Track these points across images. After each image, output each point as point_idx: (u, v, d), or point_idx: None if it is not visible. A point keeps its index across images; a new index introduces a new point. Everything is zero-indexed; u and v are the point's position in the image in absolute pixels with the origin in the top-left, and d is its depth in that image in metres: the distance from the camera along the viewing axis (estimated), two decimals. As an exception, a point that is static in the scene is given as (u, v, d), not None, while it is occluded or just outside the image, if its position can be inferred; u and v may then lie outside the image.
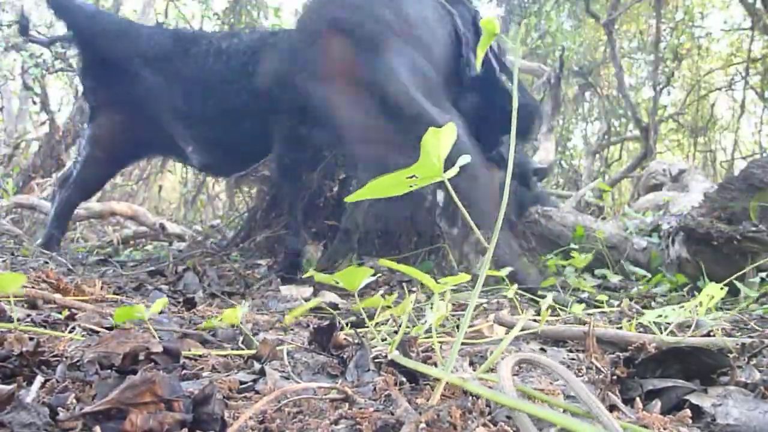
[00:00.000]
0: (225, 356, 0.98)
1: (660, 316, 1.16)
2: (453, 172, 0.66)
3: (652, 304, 1.90)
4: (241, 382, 0.81)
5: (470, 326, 1.26)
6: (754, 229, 2.07)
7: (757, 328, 1.38)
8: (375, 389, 0.77)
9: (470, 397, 0.70)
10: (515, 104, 0.70)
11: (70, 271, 2.26)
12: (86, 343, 0.88)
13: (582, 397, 0.58)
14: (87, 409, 0.58)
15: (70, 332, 1.03)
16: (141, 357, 0.80)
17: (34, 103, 6.30)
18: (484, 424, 0.63)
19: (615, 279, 2.34)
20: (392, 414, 0.65)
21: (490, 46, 2.81)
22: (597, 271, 2.51)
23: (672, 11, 8.95)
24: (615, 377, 0.77)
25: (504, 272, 1.60)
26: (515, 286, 1.44)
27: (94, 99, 2.99)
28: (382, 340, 1.07)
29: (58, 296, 1.34)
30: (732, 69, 9.60)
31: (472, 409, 0.66)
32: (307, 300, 1.80)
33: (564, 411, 0.65)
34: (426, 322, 1.02)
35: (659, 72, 8.19)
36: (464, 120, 2.20)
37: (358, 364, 0.88)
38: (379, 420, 0.63)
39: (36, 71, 5.35)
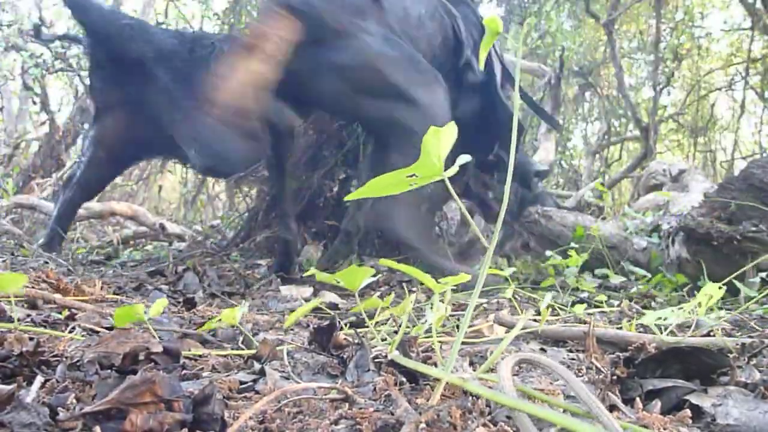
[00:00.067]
0: (225, 356, 0.98)
1: (660, 316, 1.16)
2: (453, 171, 0.66)
3: (652, 304, 1.90)
4: (241, 382, 0.81)
5: (470, 326, 1.26)
6: (754, 229, 2.07)
7: (757, 328, 1.38)
8: (375, 389, 0.77)
9: (470, 397, 0.70)
10: (516, 104, 0.70)
11: (70, 271, 2.26)
12: (86, 343, 0.88)
13: (582, 397, 0.58)
14: (87, 409, 0.58)
15: (70, 332, 1.03)
16: (141, 357, 0.80)
17: (34, 103, 6.30)
18: (484, 424, 0.63)
19: (616, 279, 2.34)
20: (392, 414, 0.65)
21: (496, 53, 2.80)
22: (597, 271, 2.51)
23: (672, 11, 8.95)
24: (615, 377, 0.77)
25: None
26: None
27: (101, 100, 2.99)
28: (382, 340, 1.07)
29: (58, 296, 1.34)
30: (732, 69, 9.60)
31: (472, 409, 0.66)
32: (307, 300, 1.80)
33: (564, 411, 0.65)
34: (426, 322, 1.02)
35: (659, 72, 8.18)
36: (447, 92, 2.22)
37: (358, 364, 0.88)
38: (379, 420, 0.63)
39: (36, 71, 5.35)
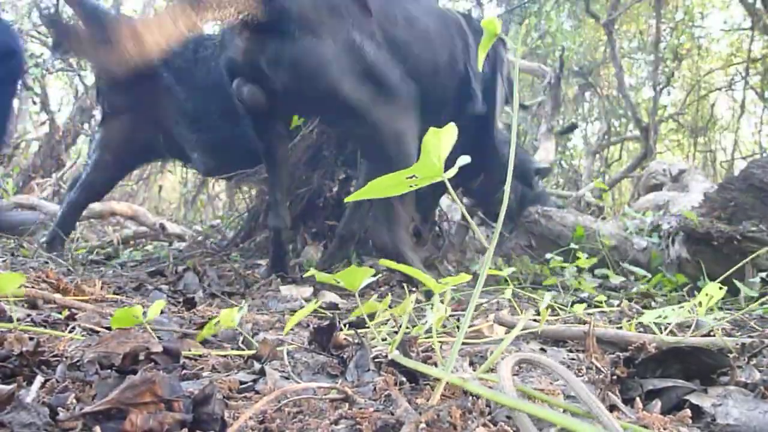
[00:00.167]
0: (225, 356, 0.98)
1: (660, 316, 1.16)
2: (453, 171, 0.66)
3: (652, 304, 1.90)
4: (241, 382, 0.81)
5: (470, 326, 1.26)
6: (754, 229, 2.07)
7: (757, 328, 1.38)
8: (375, 389, 0.77)
9: (470, 397, 0.70)
10: (516, 106, 0.70)
11: (70, 271, 2.26)
12: (86, 343, 0.88)
13: (582, 397, 0.58)
14: (87, 409, 0.58)
15: (70, 332, 1.03)
16: (141, 357, 0.80)
17: (34, 103, 6.30)
18: (484, 424, 0.63)
19: (616, 279, 2.34)
20: (392, 414, 0.65)
21: (502, 78, 2.73)
22: (597, 271, 2.51)
23: (672, 11, 8.95)
24: (615, 377, 0.77)
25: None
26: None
27: (107, 104, 3.02)
28: (382, 340, 1.07)
29: (58, 296, 1.34)
30: (732, 69, 9.61)
31: (472, 409, 0.66)
32: (307, 300, 1.80)
33: (564, 411, 0.65)
34: (426, 322, 1.02)
35: (659, 72, 8.19)
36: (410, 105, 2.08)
37: (358, 364, 0.88)
38: (379, 420, 0.63)
39: (36, 71, 5.35)
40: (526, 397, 0.70)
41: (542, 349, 1.19)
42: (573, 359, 1.10)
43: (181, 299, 1.59)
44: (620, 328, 1.28)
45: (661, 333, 1.15)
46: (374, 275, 0.99)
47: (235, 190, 3.84)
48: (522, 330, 1.11)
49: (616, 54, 7.42)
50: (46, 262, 2.37)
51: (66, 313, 1.17)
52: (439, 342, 1.12)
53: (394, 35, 2.15)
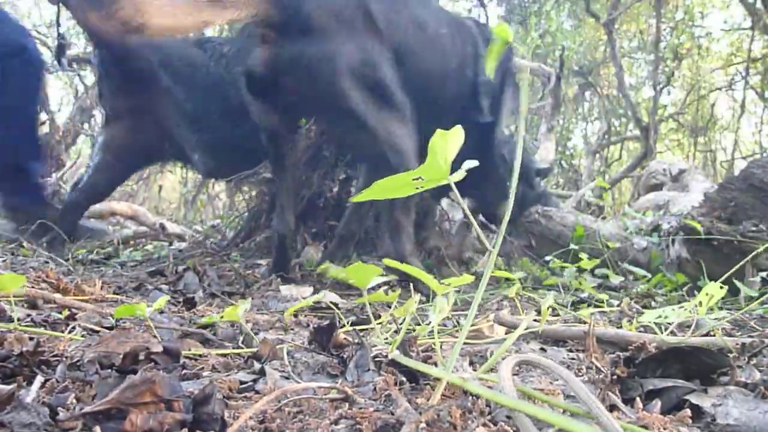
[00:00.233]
0: (225, 356, 0.98)
1: (660, 316, 1.16)
2: (460, 175, 0.66)
3: (652, 303, 1.90)
4: (241, 382, 0.81)
5: (471, 326, 1.26)
6: (754, 228, 2.07)
7: (757, 328, 1.38)
8: (375, 389, 0.77)
9: (470, 397, 0.70)
10: (524, 108, 0.70)
11: (70, 270, 2.27)
12: (86, 343, 0.88)
13: (582, 397, 0.58)
14: (87, 409, 0.58)
15: (70, 332, 1.03)
16: (141, 357, 0.80)
17: (35, 102, 6.28)
18: (484, 424, 0.63)
19: (616, 279, 2.34)
20: (392, 414, 0.65)
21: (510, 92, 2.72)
22: (597, 271, 2.51)
23: (672, 11, 8.94)
24: (615, 377, 0.77)
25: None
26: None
27: (109, 107, 3.04)
28: (384, 341, 1.07)
29: (58, 296, 1.34)
30: (732, 69, 9.61)
31: (472, 409, 0.66)
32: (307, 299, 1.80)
33: (564, 411, 0.65)
34: (429, 323, 1.02)
35: (659, 72, 8.18)
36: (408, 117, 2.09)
37: (358, 363, 0.88)
38: (379, 420, 0.63)
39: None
40: (526, 398, 0.70)
41: (542, 349, 1.19)
42: (573, 359, 1.10)
43: (181, 299, 1.59)
44: (620, 327, 1.28)
45: (662, 333, 1.15)
46: (381, 275, 0.99)
47: (235, 191, 3.84)
48: (522, 330, 1.11)
49: (616, 53, 7.42)
50: (46, 262, 2.37)
51: (66, 313, 1.17)
52: (440, 342, 1.12)
53: (403, 40, 2.17)
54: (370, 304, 1.24)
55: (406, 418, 0.61)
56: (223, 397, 0.73)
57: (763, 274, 1.96)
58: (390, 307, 1.17)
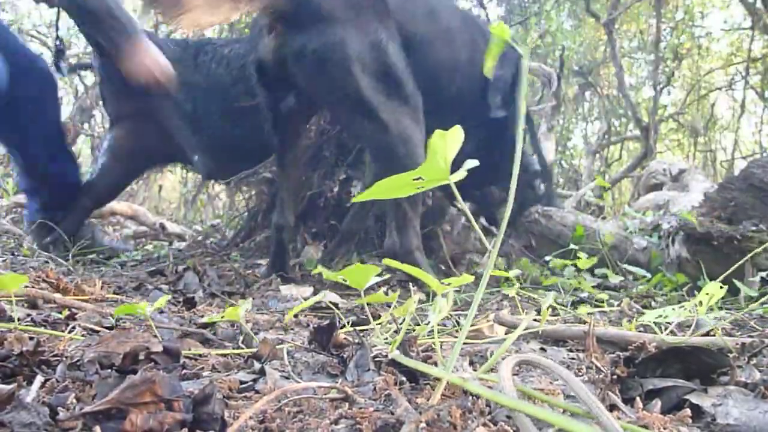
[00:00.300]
0: (225, 356, 0.98)
1: (660, 315, 1.16)
2: (460, 175, 0.66)
3: (652, 303, 1.90)
4: (241, 382, 0.81)
5: (470, 326, 1.26)
6: (754, 228, 2.07)
7: (757, 327, 1.38)
8: (375, 389, 0.77)
9: (470, 397, 0.70)
10: (522, 109, 0.70)
11: (70, 270, 2.27)
12: (86, 343, 0.88)
13: (582, 397, 0.58)
14: (87, 408, 0.58)
15: (70, 332, 1.03)
16: (141, 357, 0.80)
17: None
18: (484, 424, 0.63)
19: (615, 279, 2.34)
20: (392, 413, 0.65)
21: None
22: (597, 271, 2.51)
23: (672, 11, 8.94)
24: (615, 377, 0.77)
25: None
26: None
27: (112, 111, 3.07)
28: (384, 340, 1.07)
29: (58, 296, 1.34)
30: (732, 69, 9.60)
31: (472, 409, 0.66)
32: (307, 300, 1.80)
33: (564, 411, 0.65)
34: (429, 323, 1.02)
35: (659, 72, 8.18)
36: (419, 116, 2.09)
37: (358, 363, 0.88)
38: (379, 420, 0.63)
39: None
40: (526, 398, 0.70)
41: (542, 349, 1.19)
42: (573, 359, 1.10)
43: (181, 299, 1.59)
44: (620, 327, 1.28)
45: (662, 333, 1.15)
46: (379, 274, 0.99)
47: (235, 191, 3.84)
48: (522, 330, 1.11)
49: (616, 53, 7.42)
50: (46, 262, 2.37)
51: (66, 312, 1.17)
52: (440, 342, 1.12)
53: (415, 30, 2.16)
54: (370, 304, 1.24)
55: (406, 417, 0.61)
56: (223, 396, 0.73)
57: (763, 274, 1.96)
58: (390, 307, 1.17)
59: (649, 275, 2.40)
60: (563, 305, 1.69)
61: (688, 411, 0.69)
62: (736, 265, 1.52)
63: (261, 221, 3.17)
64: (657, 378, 0.79)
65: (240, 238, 3.22)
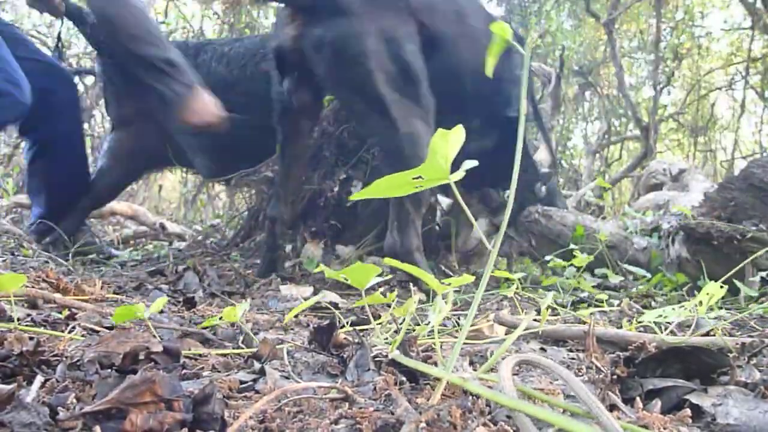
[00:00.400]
0: (225, 356, 0.98)
1: (660, 315, 1.16)
2: (460, 174, 0.66)
3: (652, 303, 1.90)
4: (241, 382, 0.81)
5: (470, 325, 1.26)
6: (754, 228, 2.07)
7: (757, 327, 1.38)
8: (375, 389, 0.77)
9: (470, 397, 0.70)
10: (522, 109, 0.70)
11: (70, 270, 2.27)
12: (86, 343, 0.88)
13: (581, 397, 0.58)
14: (87, 408, 0.58)
15: (70, 332, 1.03)
16: (141, 356, 0.80)
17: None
18: (484, 424, 0.63)
19: (615, 279, 2.34)
20: (392, 413, 0.65)
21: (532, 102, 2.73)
22: (597, 271, 2.51)
23: (672, 11, 8.94)
24: (615, 377, 0.77)
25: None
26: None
27: (114, 114, 3.09)
28: (384, 340, 1.07)
29: (58, 296, 1.34)
30: (732, 69, 9.61)
31: (472, 409, 0.66)
32: (307, 300, 1.80)
33: (564, 411, 0.65)
34: (429, 323, 1.02)
35: (659, 71, 8.18)
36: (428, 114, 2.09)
37: (358, 363, 0.88)
38: (379, 419, 0.63)
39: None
40: (526, 397, 0.70)
41: (542, 349, 1.19)
42: (573, 359, 1.10)
43: (181, 299, 1.59)
44: (620, 327, 1.28)
45: (662, 333, 1.15)
46: (379, 274, 0.98)
47: (235, 190, 3.85)
48: (522, 330, 1.11)
49: (616, 53, 7.42)
50: (46, 262, 2.37)
51: (66, 312, 1.17)
52: (440, 342, 1.12)
53: (439, 28, 2.16)
54: (370, 304, 1.24)
55: (406, 417, 0.61)
56: (223, 396, 0.73)
57: (763, 273, 1.96)
58: (390, 307, 1.17)
59: (649, 275, 2.40)
60: (563, 305, 1.69)
61: (688, 411, 0.69)
62: (739, 267, 1.52)
63: (261, 221, 3.17)
64: (657, 378, 0.79)
65: (240, 238, 3.22)
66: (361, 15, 1.99)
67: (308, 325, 1.36)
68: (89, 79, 6.38)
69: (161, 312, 1.30)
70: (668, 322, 1.18)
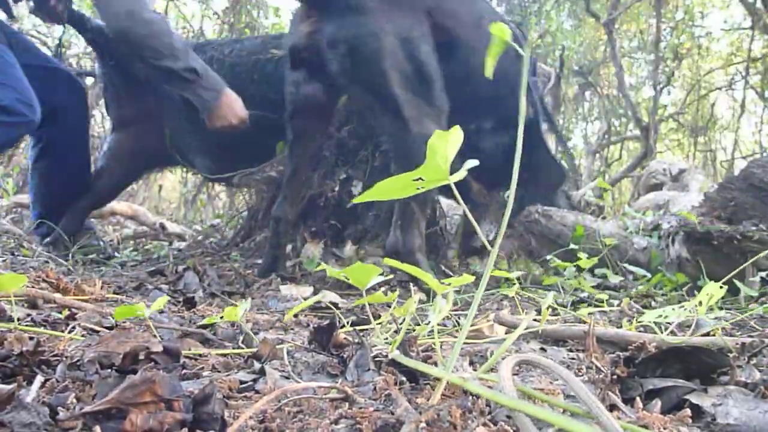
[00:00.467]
0: (225, 356, 0.98)
1: (660, 315, 1.16)
2: (460, 175, 0.66)
3: (652, 303, 1.90)
4: (241, 382, 0.81)
5: (470, 325, 1.26)
6: (754, 228, 2.07)
7: (757, 327, 1.38)
8: (375, 389, 0.77)
9: (470, 397, 0.70)
10: (523, 108, 0.70)
11: (70, 270, 2.27)
12: (86, 343, 0.88)
13: (581, 397, 0.58)
14: (87, 408, 0.58)
15: (70, 332, 1.03)
16: (141, 356, 0.80)
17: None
18: (484, 424, 0.63)
19: (615, 279, 2.34)
20: (392, 413, 0.65)
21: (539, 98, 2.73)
22: (597, 271, 2.51)
23: (672, 11, 8.95)
24: (615, 377, 0.77)
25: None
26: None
27: (114, 116, 3.11)
28: (384, 340, 1.07)
29: (58, 296, 1.34)
30: (732, 68, 9.61)
31: (472, 409, 0.66)
32: (307, 300, 1.80)
33: (564, 411, 0.65)
34: (429, 323, 1.02)
35: (659, 71, 8.19)
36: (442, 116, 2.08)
37: (358, 363, 0.88)
38: (379, 419, 0.63)
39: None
40: (526, 397, 0.70)
41: (542, 349, 1.19)
42: (573, 359, 1.10)
43: (181, 299, 1.59)
44: (620, 327, 1.28)
45: (662, 333, 1.15)
46: (380, 274, 0.98)
47: (235, 190, 3.85)
48: (522, 330, 1.11)
49: (616, 53, 7.43)
50: (46, 262, 2.37)
51: (66, 312, 1.17)
52: (440, 342, 1.12)
53: (456, 30, 2.17)
54: (370, 304, 1.24)
55: (406, 417, 0.61)
56: (223, 396, 0.73)
57: (763, 274, 1.96)
58: (390, 307, 1.17)
59: (649, 275, 2.40)
60: (563, 305, 1.69)
61: (688, 411, 0.69)
62: (740, 268, 1.52)
63: (261, 221, 3.17)
64: (657, 378, 0.79)
65: (240, 238, 3.22)
66: (376, 13, 1.99)
67: (308, 325, 1.36)
68: (89, 80, 6.38)
69: (161, 312, 1.30)
70: (668, 322, 1.18)
